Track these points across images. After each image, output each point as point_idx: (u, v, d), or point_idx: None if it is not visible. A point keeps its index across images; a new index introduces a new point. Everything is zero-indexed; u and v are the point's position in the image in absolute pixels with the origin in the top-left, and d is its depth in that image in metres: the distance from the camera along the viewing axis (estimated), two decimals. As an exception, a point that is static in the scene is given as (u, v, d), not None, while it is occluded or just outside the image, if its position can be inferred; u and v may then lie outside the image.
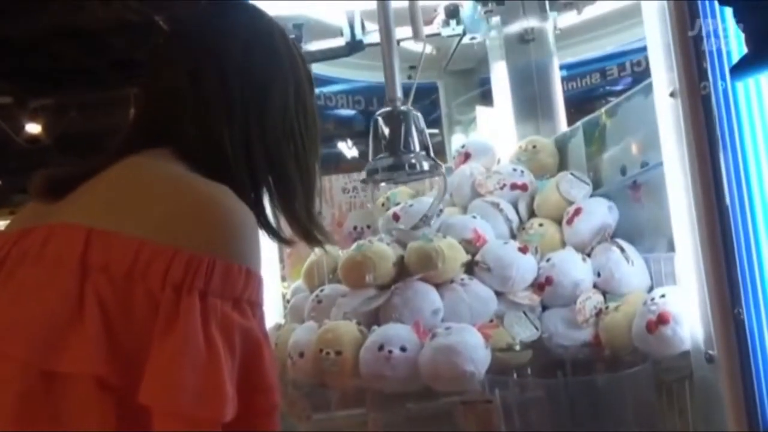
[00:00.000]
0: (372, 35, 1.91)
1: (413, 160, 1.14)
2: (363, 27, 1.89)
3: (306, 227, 0.73)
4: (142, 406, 0.52)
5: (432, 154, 1.18)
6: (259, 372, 0.58)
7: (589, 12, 1.93)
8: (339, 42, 1.88)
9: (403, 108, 1.18)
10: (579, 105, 2.22)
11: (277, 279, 1.71)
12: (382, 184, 1.31)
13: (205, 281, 0.55)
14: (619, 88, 2.27)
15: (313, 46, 1.90)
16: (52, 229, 0.59)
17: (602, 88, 2.33)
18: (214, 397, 0.52)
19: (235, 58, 0.68)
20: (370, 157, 1.18)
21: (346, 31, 1.85)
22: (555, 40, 1.81)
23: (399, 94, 1.23)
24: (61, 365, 0.53)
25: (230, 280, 0.56)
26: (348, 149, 4.40)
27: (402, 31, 1.86)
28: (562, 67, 2.21)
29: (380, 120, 1.19)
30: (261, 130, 0.69)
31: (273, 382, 0.60)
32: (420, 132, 1.18)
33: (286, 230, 0.74)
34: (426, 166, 1.15)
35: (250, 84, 0.68)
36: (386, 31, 1.30)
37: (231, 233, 0.58)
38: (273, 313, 1.64)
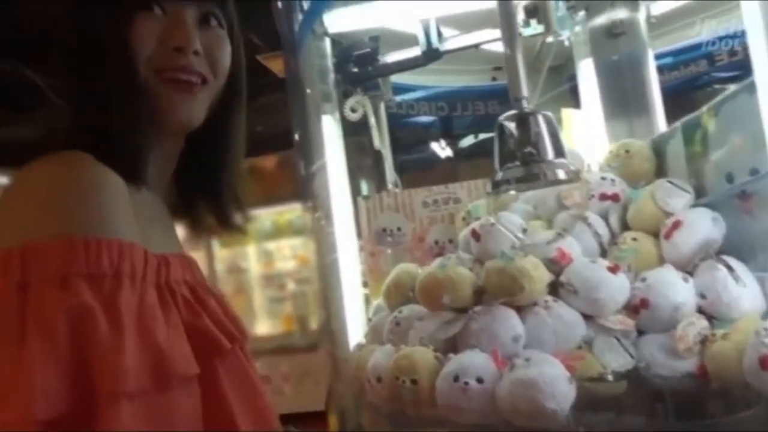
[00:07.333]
0: (449, 42, 1.85)
1: (546, 169, 1.01)
2: (440, 34, 1.84)
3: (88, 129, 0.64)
4: None
5: (566, 157, 1.04)
6: (95, 352, 0.51)
7: (689, -6, 1.75)
8: (415, 52, 1.84)
9: (528, 109, 1.03)
10: (682, 96, 2.01)
11: (359, 300, 1.71)
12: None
13: (21, 271, 0.51)
14: (727, 74, 2.03)
15: (389, 57, 1.88)
16: None
17: (707, 75, 2.09)
18: (18, 395, 0.49)
19: None
20: (496, 165, 1.05)
21: (422, 39, 1.80)
22: (648, 29, 1.65)
23: (524, 92, 1.08)
24: None
25: (50, 258, 0.52)
26: (441, 149, 4.31)
27: (484, 35, 1.79)
28: (662, 56, 2.01)
29: (505, 124, 1.04)
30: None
31: (113, 364, 0.51)
32: (552, 135, 1.04)
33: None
34: (562, 174, 1.01)
35: None
36: (509, 32, 1.16)
37: (44, 205, 0.54)
38: (356, 334, 1.64)
